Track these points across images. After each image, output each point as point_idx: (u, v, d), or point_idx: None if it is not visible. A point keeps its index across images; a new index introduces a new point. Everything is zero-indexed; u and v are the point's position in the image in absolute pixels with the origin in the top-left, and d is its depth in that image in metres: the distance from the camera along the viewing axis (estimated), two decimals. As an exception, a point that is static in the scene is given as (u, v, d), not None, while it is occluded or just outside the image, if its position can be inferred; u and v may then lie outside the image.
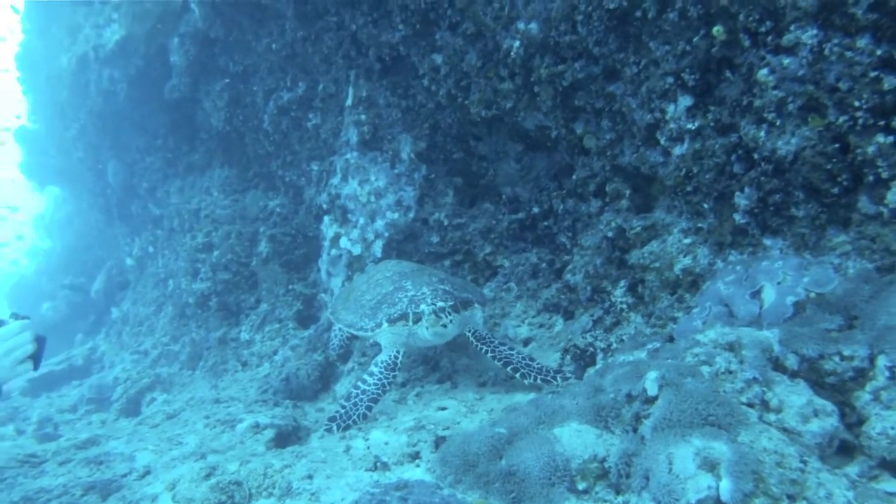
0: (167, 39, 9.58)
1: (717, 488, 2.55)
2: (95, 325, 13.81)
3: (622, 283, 5.43)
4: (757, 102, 4.14)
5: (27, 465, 5.31)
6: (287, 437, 5.19)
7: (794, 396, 3.05)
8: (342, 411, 4.93)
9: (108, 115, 11.49)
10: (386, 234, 7.17)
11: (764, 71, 4.03)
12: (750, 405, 3.03)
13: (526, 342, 6.08)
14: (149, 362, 9.81)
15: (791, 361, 3.32)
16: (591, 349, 5.20)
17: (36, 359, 3.50)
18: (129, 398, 8.83)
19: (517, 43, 5.75)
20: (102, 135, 12.23)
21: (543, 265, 6.56)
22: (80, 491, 4.44)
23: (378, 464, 3.97)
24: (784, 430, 2.94)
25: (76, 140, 12.99)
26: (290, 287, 8.72)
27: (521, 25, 5.67)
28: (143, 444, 5.37)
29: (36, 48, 14.25)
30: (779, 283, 3.96)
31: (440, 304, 5.09)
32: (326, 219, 7.97)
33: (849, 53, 3.62)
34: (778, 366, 3.32)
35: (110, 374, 10.14)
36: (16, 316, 3.49)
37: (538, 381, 4.82)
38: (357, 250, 7.39)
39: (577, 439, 3.24)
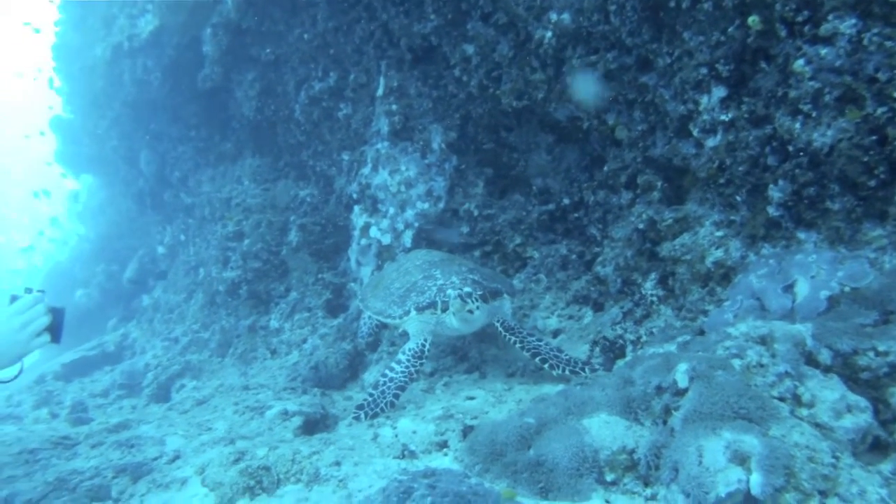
0: (200, 30, 9.63)
1: (748, 482, 2.53)
2: (127, 311, 13.95)
3: (653, 275, 5.39)
4: (792, 94, 4.08)
5: (61, 446, 5.38)
6: (315, 425, 5.21)
7: (827, 391, 3.01)
8: (370, 399, 4.94)
9: (141, 104, 11.59)
10: (416, 224, 7.17)
11: (800, 61, 3.97)
12: (781, 399, 2.99)
13: (555, 334, 6.06)
14: (179, 349, 9.89)
15: (824, 356, 3.27)
16: (621, 341, 5.17)
17: (55, 330, 3.54)
18: (159, 384, 8.92)
19: (549, 33, 5.72)
20: (135, 124, 12.34)
21: (573, 257, 6.53)
22: (112, 473, 4.49)
23: (406, 452, 3.98)
24: (816, 425, 2.89)
25: (110, 129, 13.12)
26: (320, 276, 8.76)
27: (553, 16, 5.64)
28: (173, 429, 5.42)
29: (72, 39, 14.40)
30: (812, 277, 3.90)
31: (467, 289, 5.08)
32: (357, 208, 7.99)
33: (889, 43, 3.56)
34: (811, 360, 3.27)
35: (141, 360, 10.25)
36: (29, 291, 3.53)
37: (567, 372, 4.80)
38: (387, 240, 7.40)
39: (607, 430, 3.23)
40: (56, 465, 4.87)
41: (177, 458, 4.67)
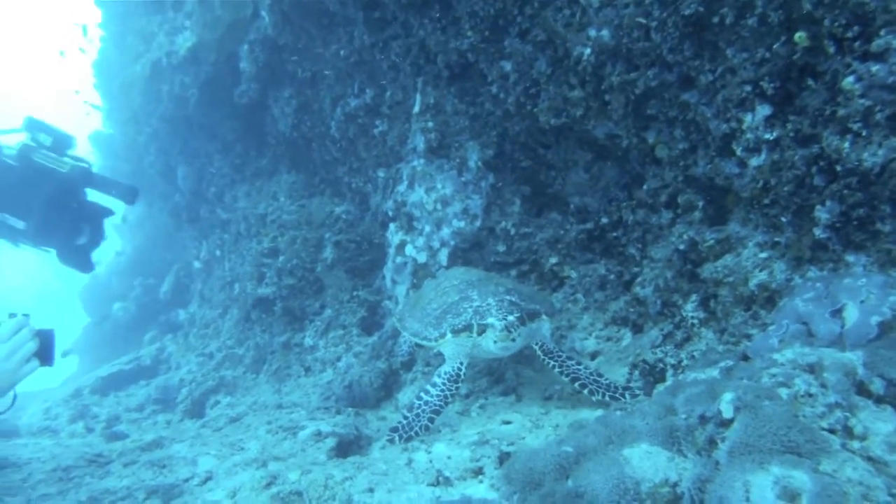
0: (237, 46, 9.68)
1: (799, 520, 2.41)
2: (163, 326, 14.04)
3: (694, 297, 5.27)
4: (841, 112, 3.95)
5: (94, 464, 5.39)
6: (348, 446, 5.16)
7: (881, 423, 2.88)
8: (404, 422, 4.87)
9: (178, 120, 11.69)
10: (452, 243, 7.10)
11: (850, 79, 3.84)
12: (832, 431, 2.86)
13: (593, 356, 5.96)
14: (213, 365, 9.90)
15: (877, 386, 3.13)
16: (661, 365, 5.04)
17: (45, 353, 3.47)
18: (193, 400, 8.93)
19: (588, 50, 5.63)
20: (173, 140, 12.45)
21: (612, 277, 6.42)
22: (144, 494, 4.48)
23: (440, 478, 3.89)
24: (869, 459, 2.76)
25: (147, 145, 13.26)
26: (355, 293, 8.72)
27: (592, 32, 5.55)
28: (206, 449, 5.40)
29: (112, 56, 14.62)
30: (862, 302, 3.76)
31: (510, 318, 4.97)
32: (392, 226, 7.95)
33: (944, 61, 3.44)
34: (862, 390, 3.13)
35: (176, 375, 10.30)
36: (13, 315, 3.45)
37: (606, 398, 4.69)
38: (422, 258, 7.34)
39: (648, 461, 3.12)
40: (89, 484, 4.87)
41: (208, 479, 4.64)
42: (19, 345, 3.36)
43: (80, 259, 6.78)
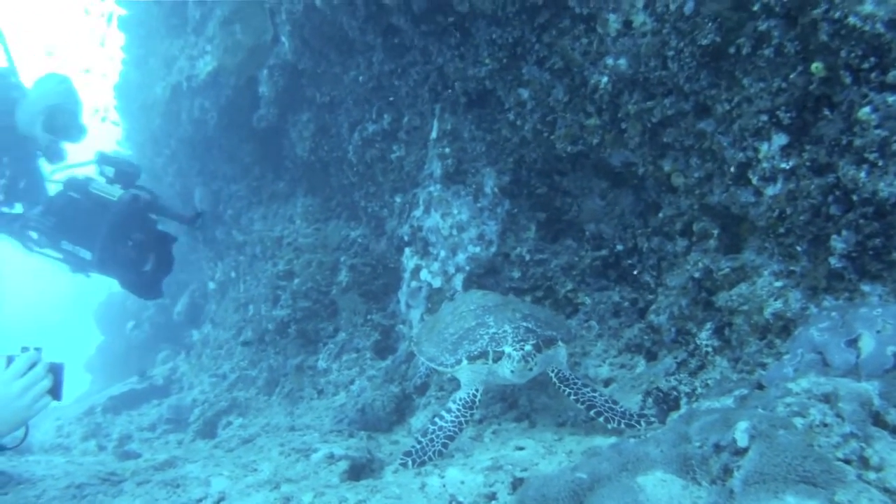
0: (257, 70, 9.77)
1: (815, 551, 2.40)
2: (177, 345, 14.08)
3: (708, 325, 5.26)
4: (857, 142, 3.97)
5: (107, 482, 5.39)
6: (361, 470, 5.15)
7: (897, 454, 2.87)
8: (418, 447, 4.87)
9: (197, 142, 11.78)
10: (467, 268, 7.12)
11: (866, 109, 3.86)
12: (847, 462, 2.85)
13: (607, 383, 5.95)
14: (226, 385, 9.92)
15: (893, 416, 3.12)
16: (675, 393, 5.03)
17: (55, 390, 3.44)
18: (205, 420, 8.95)
19: (605, 78, 5.68)
20: (191, 162, 12.54)
21: (626, 304, 6.41)
22: (157, 514, 4.48)
23: (453, 503, 3.89)
24: (885, 490, 2.75)
25: (166, 166, 13.35)
26: (369, 317, 8.74)
27: (609, 61, 5.60)
28: (219, 469, 5.40)
29: (133, 78, 14.76)
30: (878, 332, 3.76)
31: (527, 347, 4.96)
32: (407, 250, 7.98)
33: (960, 93, 3.46)
34: (878, 421, 3.12)
35: (189, 395, 10.32)
36: (26, 349, 3.41)
37: (622, 425, 4.69)
38: (437, 283, 7.35)
39: (662, 490, 3.11)
40: (102, 502, 4.87)
41: (221, 500, 4.64)
42: (34, 381, 3.32)
43: (143, 286, 6.81)
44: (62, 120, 6.81)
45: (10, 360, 3.38)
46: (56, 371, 3.44)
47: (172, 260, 6.79)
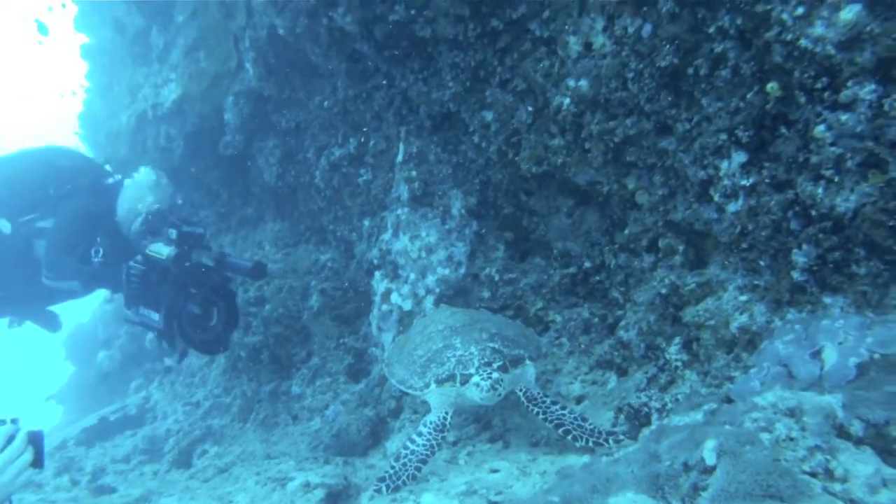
0: (222, 98, 9.76)
1: (783, 567, 2.45)
2: (149, 374, 13.94)
3: (677, 340, 5.33)
4: (814, 159, 4.07)
5: (81, 522, 5.35)
6: (337, 497, 5.16)
7: (861, 465, 2.93)
8: (391, 472, 4.87)
9: (164, 170, 11.69)
10: (437, 290, 7.15)
11: (821, 127, 3.96)
12: (813, 475, 2.91)
13: (579, 400, 5.98)
14: (200, 414, 9.83)
15: (856, 427, 3.19)
16: (646, 409, 5.08)
17: (37, 460, 3.35)
18: (180, 450, 8.86)
19: (567, 100, 5.76)
20: (159, 190, 12.46)
21: (596, 320, 6.47)
22: (132, 552, 4.45)
23: (429, 529, 3.91)
24: (851, 501, 2.81)
25: (134, 195, 13.25)
26: (341, 341, 8.72)
27: (571, 82, 5.68)
28: (195, 503, 5.38)
29: (98, 107, 14.64)
30: (840, 344, 3.83)
31: (494, 375, 4.97)
32: (377, 274, 7.99)
33: (910, 109, 3.56)
34: (842, 432, 3.19)
35: (163, 424, 10.22)
36: (2, 422, 3.30)
37: (590, 443, 4.72)
38: (408, 306, 7.37)
39: (633, 510, 3.16)
40: (76, 543, 4.82)
41: (198, 535, 4.63)
42: (13, 456, 3.25)
43: (212, 343, 6.80)
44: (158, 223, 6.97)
45: None
46: (36, 440, 3.35)
47: (237, 311, 6.79)
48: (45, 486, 8.75)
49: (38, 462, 3.36)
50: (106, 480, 8.20)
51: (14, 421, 3.28)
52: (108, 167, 7.98)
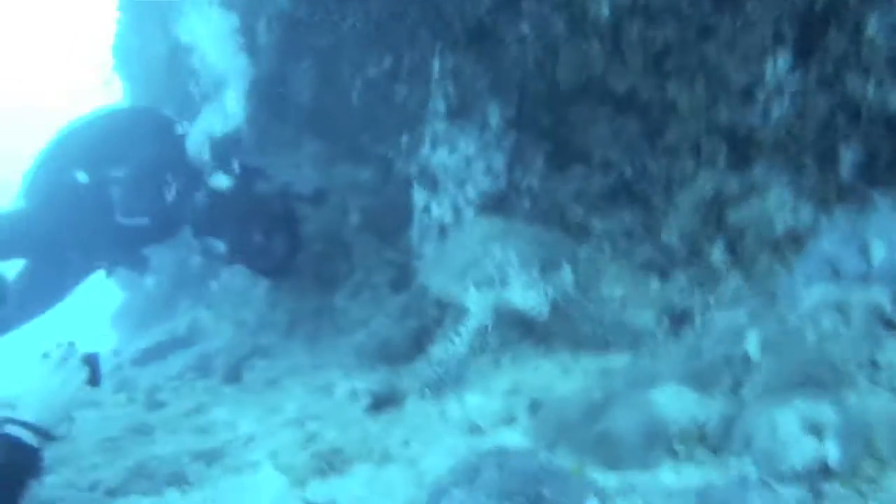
0: (255, 21, 9.67)
1: (824, 452, 2.48)
2: (196, 297, 14.18)
3: (720, 242, 5.29)
4: (864, 58, 3.96)
5: (139, 433, 5.54)
6: (383, 402, 5.25)
7: (906, 357, 2.93)
8: (434, 376, 4.96)
9: (200, 97, 11.72)
10: (477, 202, 7.14)
11: (873, 25, 3.84)
12: (858, 366, 2.92)
13: (622, 302, 5.98)
14: (248, 331, 10.02)
15: (903, 320, 3.18)
16: (689, 309, 5.08)
17: (93, 378, 3.56)
18: (230, 366, 9.03)
19: (606, 9, 5.63)
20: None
21: (638, 225, 6.42)
22: (188, 458, 4.61)
23: (473, 428, 3.99)
24: (894, 389, 2.82)
25: (172, 123, 13.28)
26: (383, 255, 8.79)
27: (609, -10, 5.55)
28: (245, 412, 5.53)
29: (131, 42, 14.57)
30: (889, 240, 3.79)
31: (535, 275, 5.02)
32: (416, 187, 7.98)
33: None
34: (889, 326, 3.18)
35: (212, 343, 10.43)
36: (60, 346, 3.53)
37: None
38: (448, 218, 7.38)
39: (675, 403, 3.19)
40: (135, 452, 5.00)
41: (249, 441, 4.77)
42: (71, 374, 3.47)
43: (277, 271, 7.03)
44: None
45: (46, 356, 3.52)
46: (91, 360, 3.59)
47: (300, 238, 6.99)
48: (104, 403, 9.05)
49: (94, 381, 3.57)
50: (161, 396, 8.45)
51: (71, 343, 3.51)
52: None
